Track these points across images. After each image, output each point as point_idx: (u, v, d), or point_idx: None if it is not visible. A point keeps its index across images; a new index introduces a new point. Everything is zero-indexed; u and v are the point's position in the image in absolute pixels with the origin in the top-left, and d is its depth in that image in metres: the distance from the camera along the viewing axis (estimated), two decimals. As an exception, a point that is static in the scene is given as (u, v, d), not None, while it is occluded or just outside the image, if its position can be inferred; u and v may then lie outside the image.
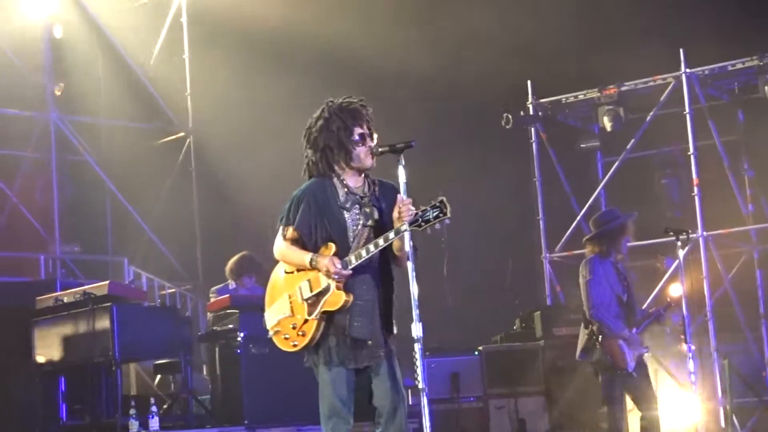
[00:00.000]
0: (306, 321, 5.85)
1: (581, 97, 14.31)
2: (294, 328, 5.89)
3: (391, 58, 14.76)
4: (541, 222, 14.43)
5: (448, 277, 11.95)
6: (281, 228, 6.02)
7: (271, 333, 6.01)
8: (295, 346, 5.91)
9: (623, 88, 13.86)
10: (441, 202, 5.69)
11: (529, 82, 14.35)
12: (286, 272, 6.01)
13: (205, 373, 11.99)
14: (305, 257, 5.87)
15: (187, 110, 16.81)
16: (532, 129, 14.52)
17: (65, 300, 10.26)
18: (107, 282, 10.49)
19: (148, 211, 16.43)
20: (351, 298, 5.80)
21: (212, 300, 11.36)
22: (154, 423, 9.70)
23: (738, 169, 13.87)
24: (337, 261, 5.78)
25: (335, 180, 6.00)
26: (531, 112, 14.36)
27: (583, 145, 14.71)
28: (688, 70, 13.39)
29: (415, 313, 5.72)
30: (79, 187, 16.62)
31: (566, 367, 11.34)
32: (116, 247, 16.95)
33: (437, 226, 5.70)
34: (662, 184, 14.30)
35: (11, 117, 15.65)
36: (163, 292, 15.96)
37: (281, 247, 6.00)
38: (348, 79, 14.36)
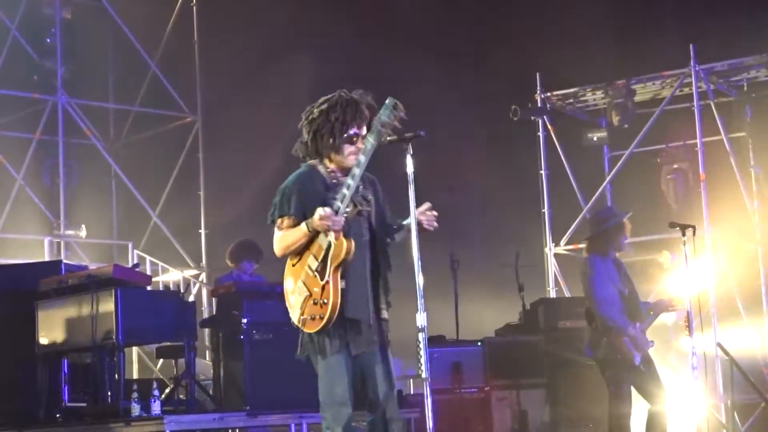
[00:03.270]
0: (323, 289, 5.76)
1: (590, 90, 14.32)
2: (316, 303, 5.79)
3: (399, 50, 14.76)
4: (546, 214, 14.42)
5: (452, 267, 12.01)
6: (276, 222, 5.95)
7: (299, 325, 5.89)
8: (322, 318, 5.76)
9: (632, 83, 13.85)
10: (389, 99, 5.70)
11: (537, 74, 14.35)
12: (293, 266, 5.93)
13: (207, 358, 11.99)
14: (301, 226, 5.82)
15: (195, 96, 16.82)
16: (540, 121, 14.51)
17: (69, 282, 10.22)
18: (111, 265, 10.46)
19: (154, 196, 16.45)
20: (353, 244, 5.75)
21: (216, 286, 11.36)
22: (156, 407, 9.67)
23: (744, 165, 13.87)
24: (326, 208, 5.72)
25: (321, 168, 5.97)
26: (539, 105, 14.37)
27: (591, 138, 14.71)
28: (697, 66, 13.39)
29: (419, 302, 5.71)
30: (86, 171, 16.66)
31: (569, 360, 11.35)
32: (121, 231, 17.02)
33: (396, 123, 5.70)
34: (669, 179, 14.32)
35: (20, 99, 15.67)
36: (167, 277, 15.98)
37: (278, 236, 5.93)
38: (355, 69, 14.37)
